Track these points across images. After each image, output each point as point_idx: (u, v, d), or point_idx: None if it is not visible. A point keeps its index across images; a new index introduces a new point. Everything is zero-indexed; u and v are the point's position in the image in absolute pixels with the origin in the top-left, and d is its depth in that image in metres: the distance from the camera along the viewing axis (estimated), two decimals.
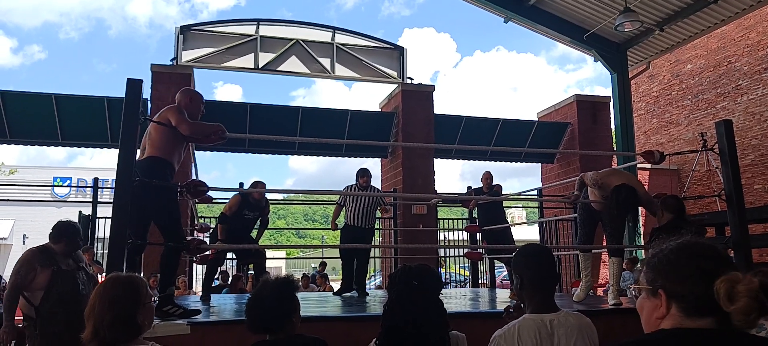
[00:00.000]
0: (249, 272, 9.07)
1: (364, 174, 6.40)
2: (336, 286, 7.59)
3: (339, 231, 6.74)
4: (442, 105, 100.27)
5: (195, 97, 3.98)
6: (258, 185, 5.87)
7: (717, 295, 1.04)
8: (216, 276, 6.84)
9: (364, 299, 5.67)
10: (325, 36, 10.92)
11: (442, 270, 10.87)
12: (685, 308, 1.08)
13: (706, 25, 11.69)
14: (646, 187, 13.45)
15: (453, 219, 10.77)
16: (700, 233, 4.09)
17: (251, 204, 5.77)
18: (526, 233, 17.34)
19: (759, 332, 1.95)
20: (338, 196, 6.83)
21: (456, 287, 11.72)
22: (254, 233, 6.30)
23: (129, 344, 1.90)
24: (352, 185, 6.52)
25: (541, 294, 2.02)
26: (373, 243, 8.26)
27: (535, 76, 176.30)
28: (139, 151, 3.63)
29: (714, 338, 1.04)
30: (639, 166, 12.57)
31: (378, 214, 7.05)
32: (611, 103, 12.49)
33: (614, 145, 12.60)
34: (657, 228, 4.31)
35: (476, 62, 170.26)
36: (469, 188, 8.22)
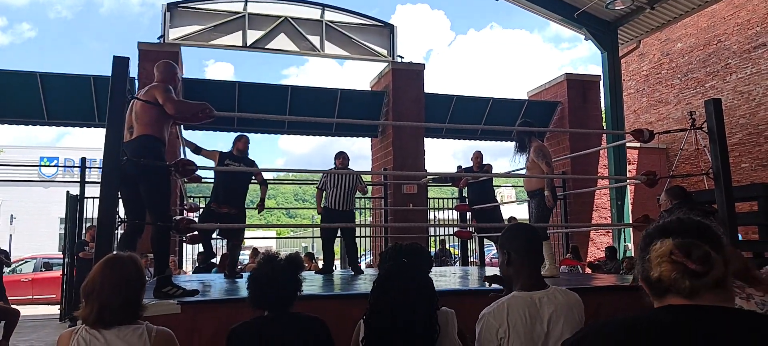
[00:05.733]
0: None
1: (340, 156, 6.52)
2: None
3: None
4: (436, 84, 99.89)
5: (175, 70, 3.94)
6: (242, 139, 5.98)
7: (649, 267, 1.04)
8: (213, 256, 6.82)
9: (357, 278, 5.71)
10: (314, 13, 10.80)
11: (433, 249, 10.93)
12: (651, 288, 1.08)
13: (696, 3, 11.68)
14: (634, 165, 13.58)
15: (443, 198, 10.80)
16: (707, 214, 3.93)
17: (234, 156, 5.87)
18: (515, 211, 17.42)
19: (762, 309, 1.97)
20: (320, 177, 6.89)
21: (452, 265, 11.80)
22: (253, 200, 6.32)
23: (128, 324, 1.90)
24: (330, 169, 6.57)
25: (529, 270, 2.04)
26: (363, 223, 8.28)
27: (530, 55, 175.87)
28: (126, 131, 3.57)
29: (698, 312, 1.02)
30: (628, 144, 12.65)
31: (358, 194, 7.10)
32: (601, 82, 12.51)
33: (604, 123, 12.64)
34: (663, 212, 4.24)
35: (470, 41, 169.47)
36: (459, 167, 8.24)
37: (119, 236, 3.74)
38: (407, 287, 2.03)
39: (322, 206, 6.51)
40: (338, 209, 6.34)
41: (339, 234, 6.75)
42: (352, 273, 6.25)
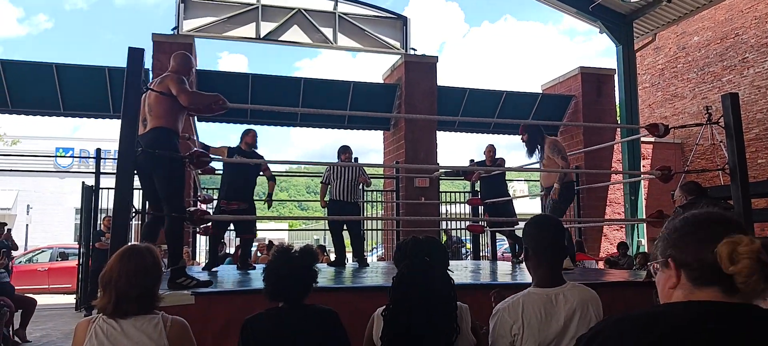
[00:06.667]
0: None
1: (344, 151, 6.65)
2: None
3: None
4: (449, 77, 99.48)
5: (191, 62, 3.97)
6: (250, 133, 6.07)
7: (719, 258, 1.01)
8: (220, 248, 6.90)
9: (364, 270, 5.73)
10: (327, 5, 10.80)
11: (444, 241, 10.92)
12: (693, 276, 1.05)
13: None
14: (649, 160, 13.45)
15: (455, 192, 10.78)
16: (724, 209, 3.95)
17: (243, 151, 5.94)
18: (528, 206, 17.38)
19: None
20: (325, 169, 6.99)
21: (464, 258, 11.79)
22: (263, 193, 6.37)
23: (144, 314, 1.92)
24: (335, 163, 6.70)
25: (547, 266, 2.00)
26: (374, 216, 8.29)
27: (545, 48, 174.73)
28: (139, 123, 3.59)
29: (718, 310, 1.01)
30: (643, 139, 12.52)
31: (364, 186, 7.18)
32: (616, 76, 12.38)
33: (618, 118, 12.52)
34: (678, 207, 4.23)
35: (484, 33, 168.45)
36: (471, 160, 8.21)
37: (141, 226, 3.78)
38: (429, 287, 2.00)
39: (328, 199, 6.60)
40: (343, 200, 6.45)
41: (346, 227, 6.81)
42: (359, 266, 6.32)
